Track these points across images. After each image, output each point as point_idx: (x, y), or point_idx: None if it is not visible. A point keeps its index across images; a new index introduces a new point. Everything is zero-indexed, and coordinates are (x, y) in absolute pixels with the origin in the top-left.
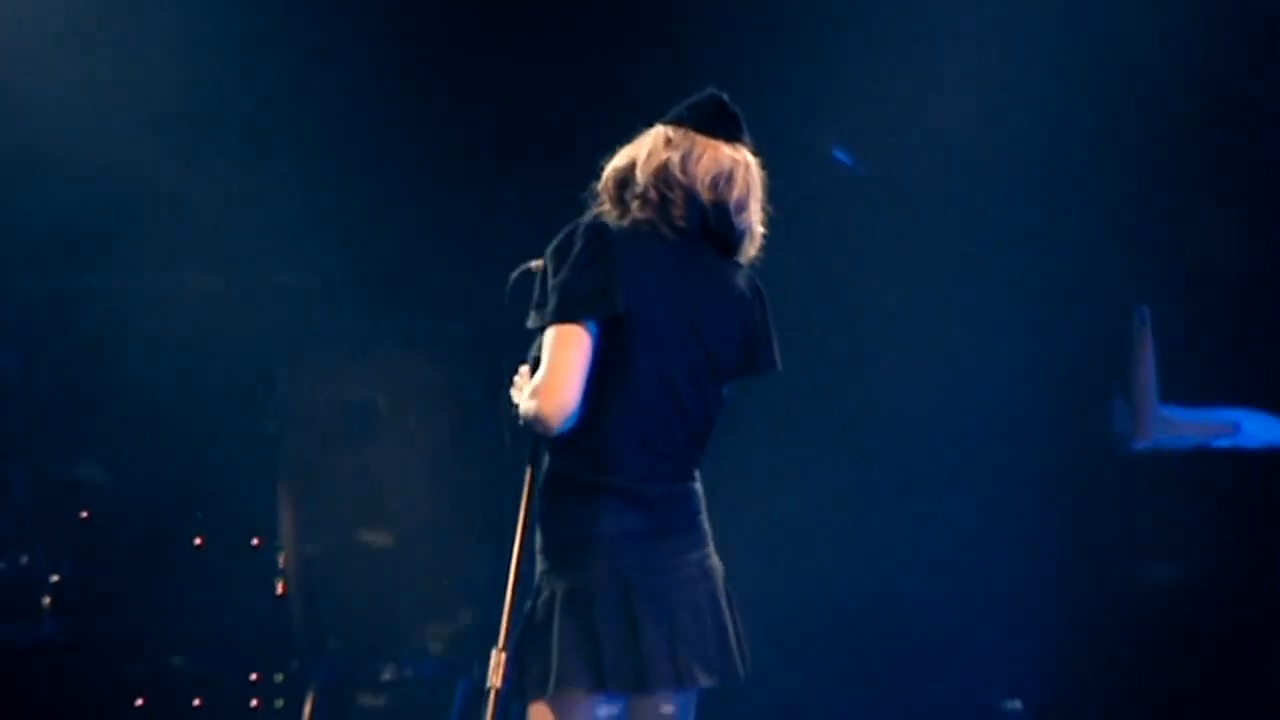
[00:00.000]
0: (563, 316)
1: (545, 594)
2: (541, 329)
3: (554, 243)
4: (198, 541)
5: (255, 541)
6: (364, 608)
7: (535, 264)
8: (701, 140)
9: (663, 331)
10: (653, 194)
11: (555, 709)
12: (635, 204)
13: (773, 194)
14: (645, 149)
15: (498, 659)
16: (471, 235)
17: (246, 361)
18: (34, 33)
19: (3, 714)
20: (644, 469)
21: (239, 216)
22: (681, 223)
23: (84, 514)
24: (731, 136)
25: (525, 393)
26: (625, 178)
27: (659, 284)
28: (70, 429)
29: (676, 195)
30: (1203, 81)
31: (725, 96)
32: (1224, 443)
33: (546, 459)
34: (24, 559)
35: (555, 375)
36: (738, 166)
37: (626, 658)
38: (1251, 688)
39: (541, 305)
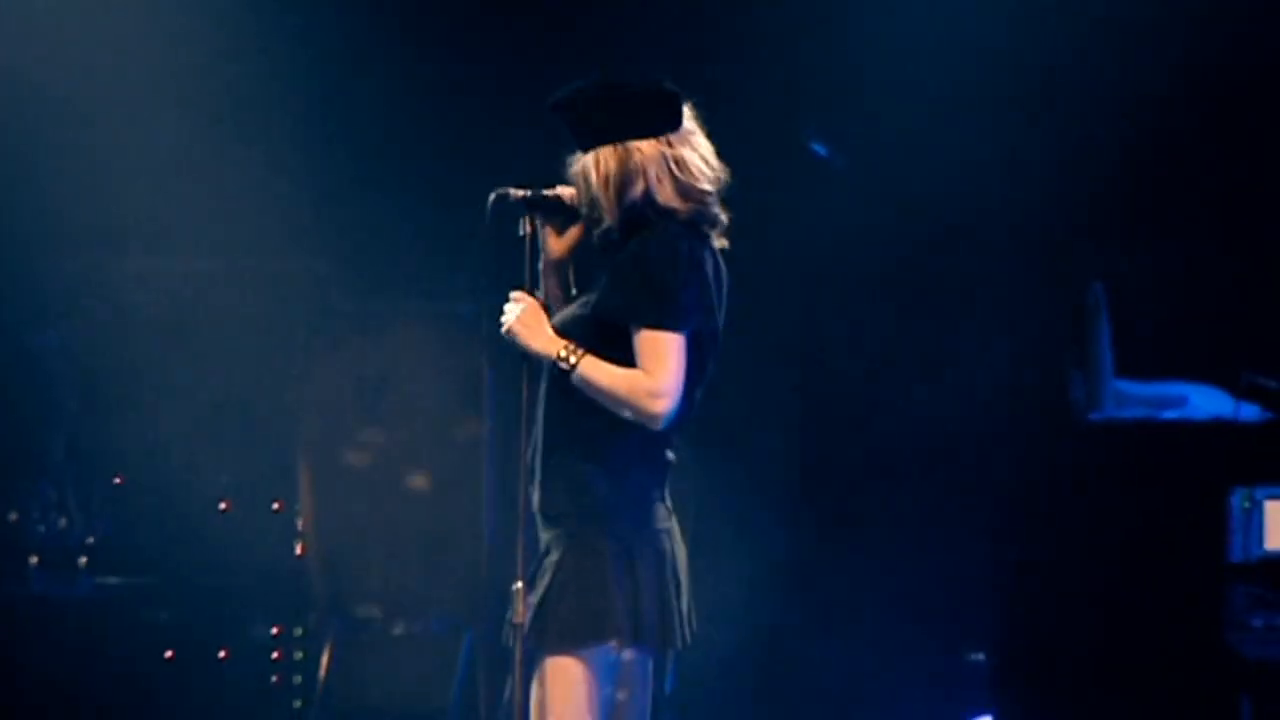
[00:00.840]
0: (679, 326)
1: (586, 548)
2: (614, 321)
3: (638, 250)
4: (223, 505)
5: (276, 505)
6: (377, 567)
7: (516, 192)
8: (681, 138)
9: (716, 334)
10: (684, 207)
11: (584, 659)
12: (672, 220)
13: (749, 189)
14: (651, 172)
15: (519, 595)
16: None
17: (268, 339)
18: (74, 27)
19: (43, 662)
20: (675, 443)
21: (261, 204)
22: (716, 224)
23: (117, 480)
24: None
25: (639, 389)
26: (641, 201)
27: (719, 293)
28: (105, 403)
29: (706, 199)
30: (1156, 77)
31: (666, 83)
32: (1172, 414)
33: (588, 422)
34: (62, 522)
35: (676, 383)
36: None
37: (660, 616)
38: (1194, 648)
39: (631, 304)
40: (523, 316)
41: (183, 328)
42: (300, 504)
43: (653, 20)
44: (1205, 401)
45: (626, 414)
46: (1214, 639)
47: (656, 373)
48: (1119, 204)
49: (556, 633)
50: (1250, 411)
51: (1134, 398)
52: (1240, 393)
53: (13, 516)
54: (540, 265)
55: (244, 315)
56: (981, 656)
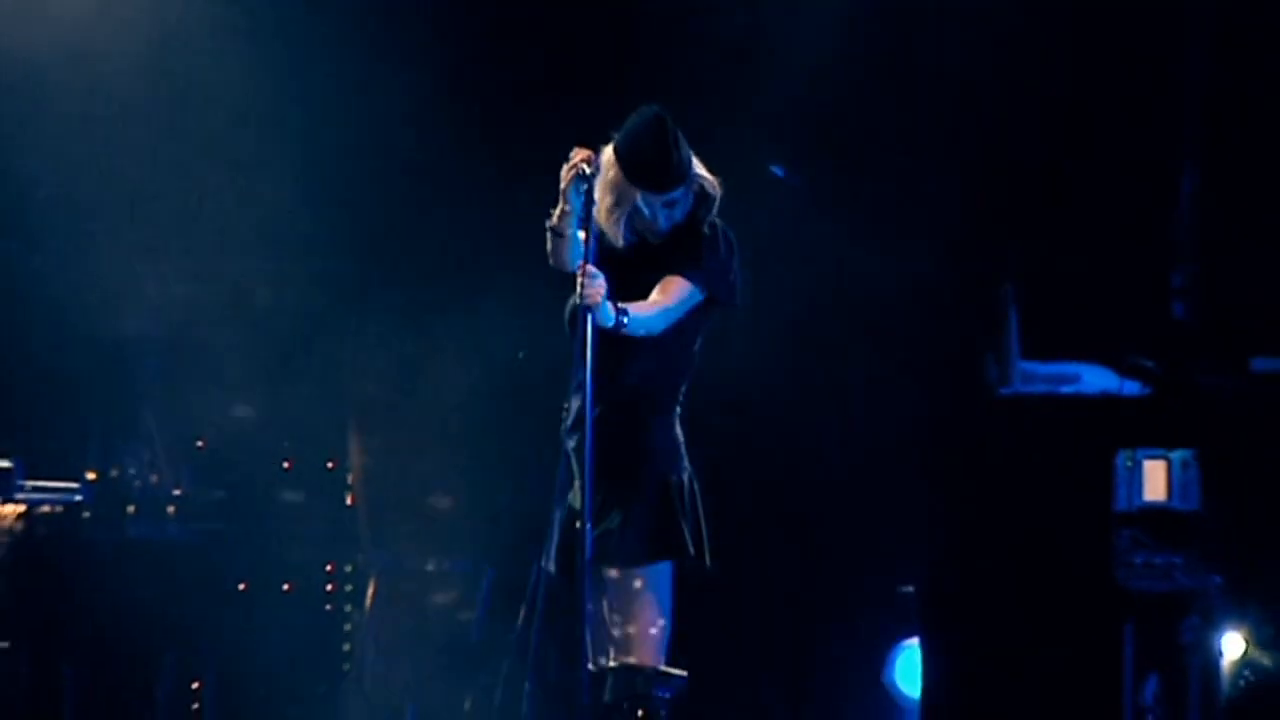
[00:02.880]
0: (731, 299)
1: (652, 484)
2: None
3: (709, 235)
4: (286, 464)
5: (330, 464)
6: (413, 515)
7: (587, 168)
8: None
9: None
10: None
11: (662, 571)
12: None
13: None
14: (707, 176)
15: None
16: (498, 225)
17: (323, 328)
18: (128, 36)
19: (139, 594)
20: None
21: (308, 209)
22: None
23: (199, 443)
24: None
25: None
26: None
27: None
28: (188, 380)
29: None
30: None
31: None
32: (1068, 389)
33: (625, 385)
34: (154, 478)
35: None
36: None
37: (704, 538)
38: (1088, 582)
39: (702, 267)
40: (597, 288)
41: (249, 317)
42: (350, 463)
43: (622, 44)
44: (1095, 378)
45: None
46: (1103, 574)
47: (672, 309)
48: (1025, 213)
49: (642, 550)
50: (1132, 387)
51: (1037, 376)
52: (1124, 371)
53: (113, 473)
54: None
55: (301, 307)
56: (911, 589)
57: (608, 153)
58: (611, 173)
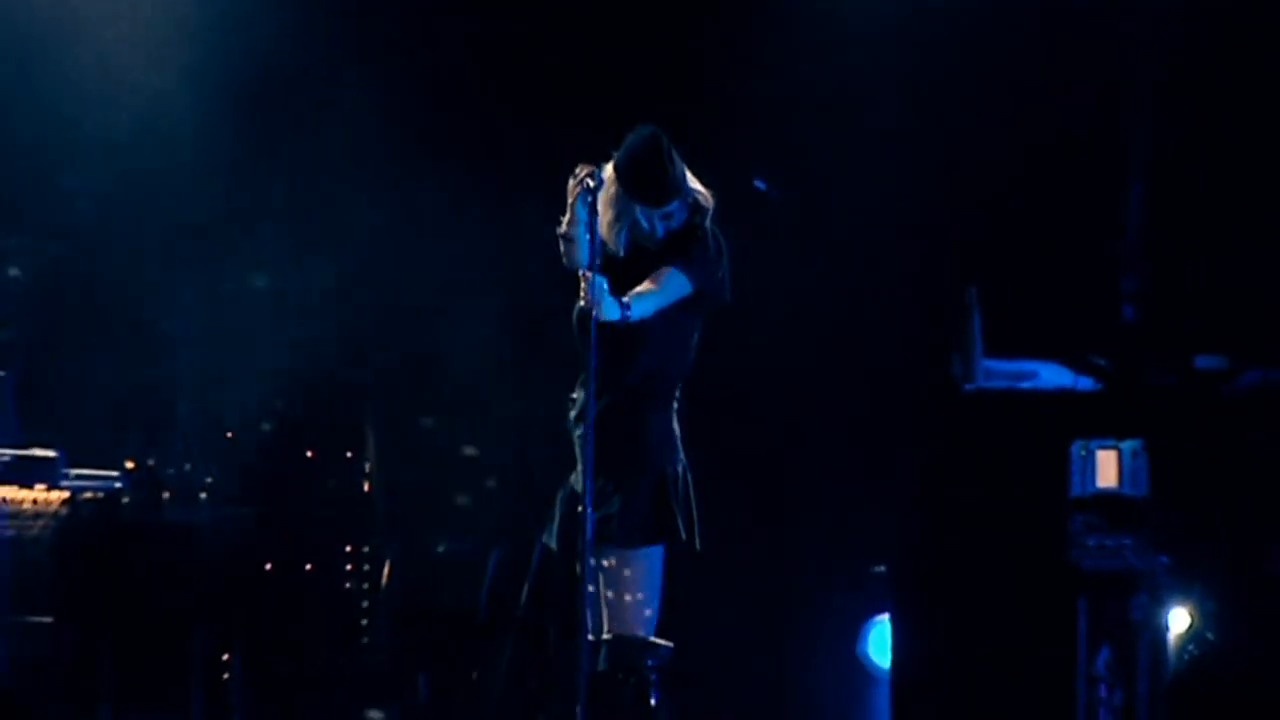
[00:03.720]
0: (720, 293)
1: (648, 472)
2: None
3: (695, 237)
4: (309, 454)
5: (349, 454)
6: (424, 501)
7: (591, 181)
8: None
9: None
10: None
11: (655, 553)
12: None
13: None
14: (701, 189)
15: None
16: (504, 232)
17: (343, 333)
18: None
19: (173, 575)
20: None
21: (344, 226)
22: None
23: (229, 435)
24: None
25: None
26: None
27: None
28: (220, 377)
29: None
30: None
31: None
32: (1027, 385)
33: (624, 379)
34: (188, 466)
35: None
36: None
37: (694, 523)
38: (1045, 562)
39: (692, 263)
40: (600, 288)
41: (274, 319)
42: (367, 454)
43: (613, 66)
44: (1052, 375)
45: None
46: (1060, 555)
47: (659, 299)
48: (989, 225)
49: (637, 534)
50: (1086, 383)
51: (999, 373)
52: (1078, 369)
53: (150, 462)
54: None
55: (322, 309)
56: (883, 569)
57: (608, 170)
58: (612, 189)
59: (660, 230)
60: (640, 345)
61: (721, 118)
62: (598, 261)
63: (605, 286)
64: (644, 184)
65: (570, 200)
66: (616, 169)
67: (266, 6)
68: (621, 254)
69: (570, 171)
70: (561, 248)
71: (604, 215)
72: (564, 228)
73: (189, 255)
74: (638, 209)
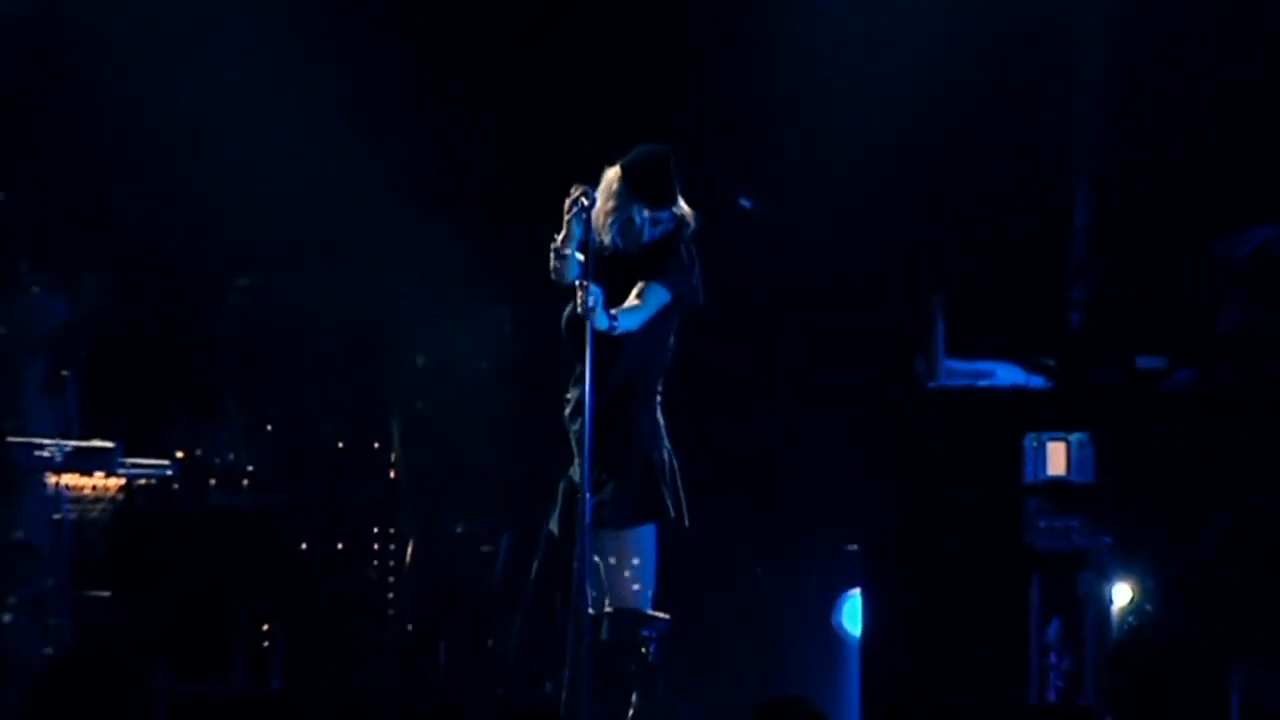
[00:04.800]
0: (695, 299)
1: (640, 460)
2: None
3: (672, 249)
4: (340, 445)
5: (376, 445)
6: (444, 487)
7: (585, 201)
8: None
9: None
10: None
11: (650, 532)
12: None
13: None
14: (688, 210)
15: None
16: (515, 242)
17: (369, 332)
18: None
19: (218, 554)
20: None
21: (370, 229)
22: None
23: (269, 428)
24: None
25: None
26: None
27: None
28: (261, 375)
29: None
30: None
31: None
32: (985, 383)
33: (612, 378)
34: (231, 456)
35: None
36: None
37: (682, 504)
38: (1002, 542)
39: (667, 277)
40: (596, 298)
41: (311, 323)
42: (393, 445)
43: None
44: (1007, 374)
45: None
46: (1014, 536)
47: (644, 314)
48: (952, 240)
49: (631, 515)
50: (1037, 381)
51: (959, 372)
52: (1030, 368)
53: (198, 452)
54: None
55: (350, 314)
56: (855, 548)
57: (614, 170)
58: (616, 185)
59: (647, 234)
60: (622, 349)
61: (703, 131)
62: (590, 275)
63: (600, 299)
64: (646, 185)
65: (566, 218)
66: (624, 168)
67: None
68: (607, 242)
69: (566, 191)
70: (553, 262)
71: (602, 206)
72: (558, 242)
73: (235, 267)
74: (634, 206)
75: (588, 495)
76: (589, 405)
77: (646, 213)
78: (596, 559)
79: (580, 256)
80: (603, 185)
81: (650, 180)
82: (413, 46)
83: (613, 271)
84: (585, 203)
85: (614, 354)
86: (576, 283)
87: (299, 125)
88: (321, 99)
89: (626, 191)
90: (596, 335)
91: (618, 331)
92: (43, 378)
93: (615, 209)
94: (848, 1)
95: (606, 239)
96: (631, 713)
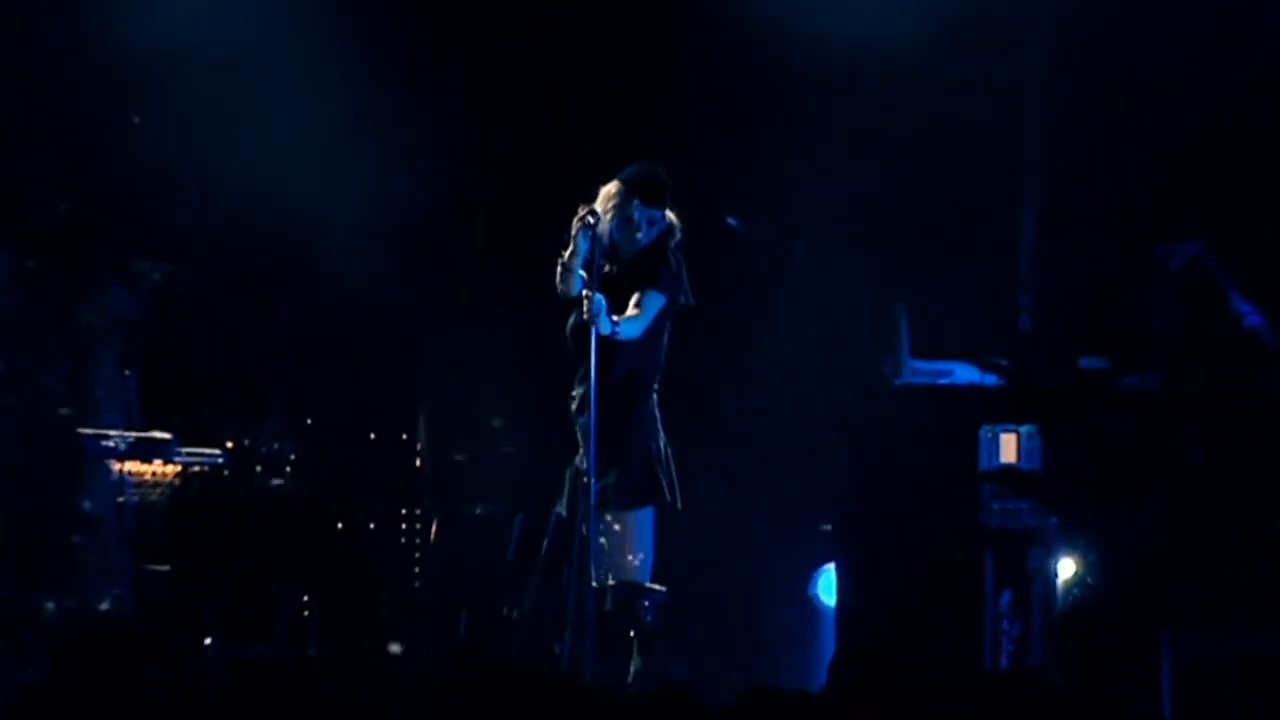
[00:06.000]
0: (687, 300)
1: (638, 448)
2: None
3: (661, 258)
4: (372, 436)
5: (404, 436)
6: (464, 473)
7: (591, 219)
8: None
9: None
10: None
11: (648, 514)
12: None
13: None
14: (675, 219)
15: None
16: (531, 251)
17: (398, 335)
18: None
19: (264, 533)
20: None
21: (385, 236)
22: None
23: (309, 421)
24: None
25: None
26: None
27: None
28: (306, 375)
29: None
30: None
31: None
32: (945, 381)
33: (612, 375)
34: (276, 446)
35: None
36: None
37: (676, 487)
38: (960, 522)
39: (661, 284)
40: (599, 306)
41: (346, 328)
42: (419, 436)
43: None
44: (964, 373)
45: (637, 327)
46: (971, 516)
47: (644, 321)
48: (915, 253)
49: (630, 499)
50: (991, 379)
51: (922, 370)
52: (985, 368)
53: (246, 442)
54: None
55: (380, 317)
56: (829, 527)
57: (613, 183)
58: (615, 189)
59: (643, 232)
60: (620, 350)
61: (688, 153)
62: (595, 286)
63: (603, 307)
64: (642, 185)
65: (573, 233)
66: (622, 177)
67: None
68: (607, 242)
69: (574, 210)
70: (559, 275)
71: (603, 207)
72: (566, 257)
73: (280, 273)
74: (633, 204)
75: (593, 481)
76: (594, 401)
77: (643, 209)
78: (601, 539)
79: (584, 273)
80: (602, 195)
81: (645, 182)
82: (458, 67)
83: (611, 283)
84: (591, 221)
85: (614, 355)
86: (582, 294)
87: (336, 142)
88: (355, 112)
89: (625, 192)
90: (599, 338)
91: (620, 336)
92: (110, 375)
93: (615, 207)
94: (798, 31)
95: (605, 239)
96: (632, 671)
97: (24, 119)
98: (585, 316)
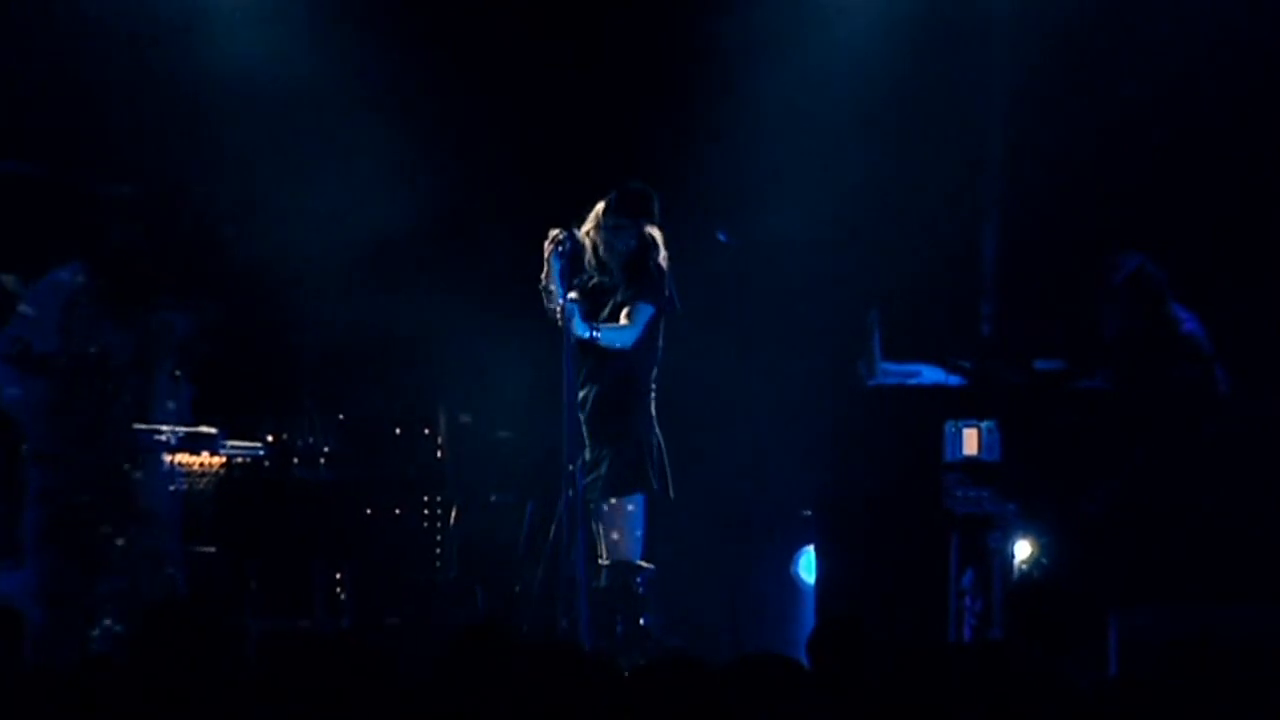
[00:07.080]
0: (672, 306)
1: (631, 443)
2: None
3: (644, 269)
4: (398, 430)
5: (426, 431)
6: (481, 464)
7: (560, 233)
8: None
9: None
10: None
11: (639, 501)
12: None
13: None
14: (657, 233)
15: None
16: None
17: (420, 337)
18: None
19: (300, 518)
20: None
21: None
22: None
23: (340, 416)
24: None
25: (622, 329)
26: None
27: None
28: (337, 374)
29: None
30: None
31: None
32: (913, 381)
33: (610, 376)
34: (310, 439)
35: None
36: None
37: (667, 478)
38: (927, 509)
39: (645, 293)
40: (571, 311)
41: (373, 332)
42: (439, 430)
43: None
44: (931, 374)
45: (620, 341)
46: (937, 503)
47: (636, 329)
48: (887, 263)
49: (625, 484)
50: (955, 379)
51: (892, 372)
52: (949, 369)
53: (284, 436)
54: (565, 269)
55: (405, 320)
56: (809, 513)
57: (599, 206)
58: (602, 206)
59: (620, 244)
60: (617, 356)
61: (673, 166)
62: (570, 294)
63: (575, 311)
64: (627, 201)
65: (546, 256)
66: (608, 201)
67: None
68: (593, 256)
69: (545, 235)
70: (544, 299)
71: (592, 224)
72: (543, 280)
73: (315, 286)
74: (615, 217)
75: (579, 472)
76: (565, 401)
77: (625, 221)
78: (597, 522)
79: (555, 287)
80: (592, 213)
81: (631, 198)
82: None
83: (599, 294)
84: (561, 238)
85: (612, 360)
86: (559, 304)
87: (364, 162)
88: (379, 124)
89: (607, 207)
90: (586, 344)
91: (601, 342)
92: (167, 378)
93: (601, 221)
94: (768, 53)
95: (592, 253)
96: (621, 635)
97: (115, 153)
98: (559, 323)
